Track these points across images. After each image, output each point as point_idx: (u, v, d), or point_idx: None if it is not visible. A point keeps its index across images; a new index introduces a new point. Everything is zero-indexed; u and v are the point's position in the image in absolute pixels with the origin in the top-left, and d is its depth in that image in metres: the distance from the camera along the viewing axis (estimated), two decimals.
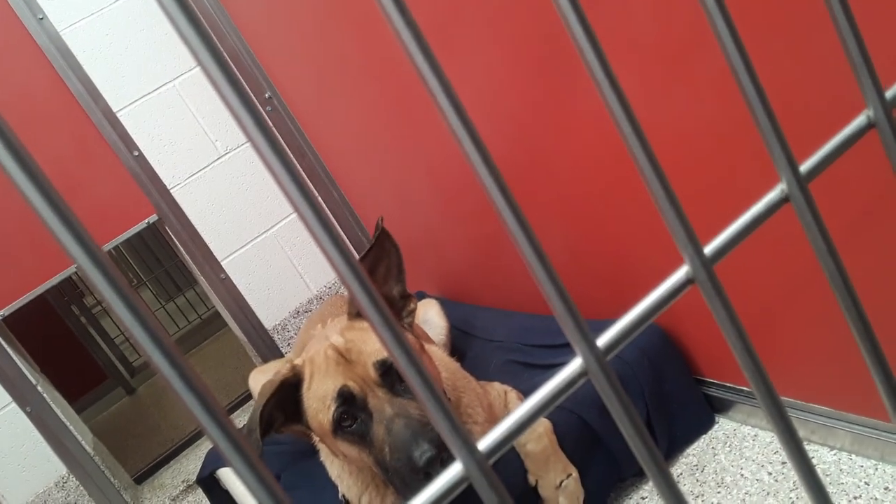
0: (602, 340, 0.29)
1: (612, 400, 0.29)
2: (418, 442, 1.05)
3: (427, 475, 1.04)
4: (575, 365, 0.29)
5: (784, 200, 0.31)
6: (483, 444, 0.27)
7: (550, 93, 1.35)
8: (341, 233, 2.62)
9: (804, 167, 0.32)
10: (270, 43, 2.35)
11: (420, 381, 0.25)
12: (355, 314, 1.26)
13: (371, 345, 1.17)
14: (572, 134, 1.36)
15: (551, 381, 0.29)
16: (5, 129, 0.20)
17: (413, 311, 1.29)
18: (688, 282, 0.30)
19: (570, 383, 0.29)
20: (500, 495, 0.26)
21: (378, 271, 1.25)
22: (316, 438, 1.34)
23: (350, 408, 1.12)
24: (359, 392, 1.13)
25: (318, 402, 1.15)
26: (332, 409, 1.12)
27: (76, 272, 2.57)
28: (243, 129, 0.23)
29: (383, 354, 1.13)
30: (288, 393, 1.18)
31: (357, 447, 1.14)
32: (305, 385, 1.18)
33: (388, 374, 1.14)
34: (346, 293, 2.58)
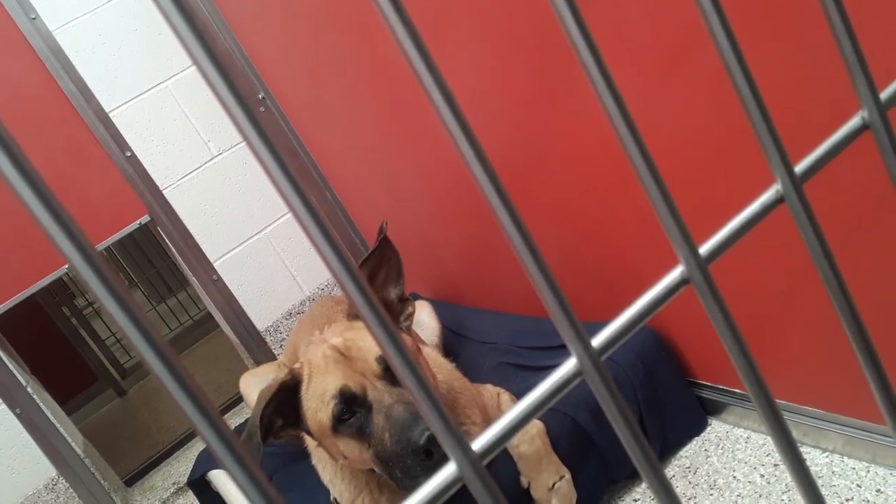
0: (597, 340, 0.29)
1: (607, 400, 0.28)
2: (418, 421, 1.06)
3: (428, 454, 1.05)
4: (569, 365, 0.28)
5: (779, 201, 0.31)
6: (477, 444, 0.27)
7: (544, 92, 1.35)
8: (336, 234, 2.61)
9: (799, 168, 0.32)
10: (263, 43, 2.35)
11: (415, 380, 0.24)
12: (354, 316, 1.26)
13: (371, 341, 1.17)
14: (566, 134, 1.36)
15: (546, 382, 0.29)
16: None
17: (411, 315, 1.30)
18: (683, 282, 0.30)
19: (565, 383, 0.29)
20: (495, 496, 0.26)
21: (378, 276, 1.26)
22: (311, 443, 1.33)
23: (350, 405, 1.13)
24: (358, 389, 1.13)
25: (317, 399, 1.15)
26: (332, 405, 1.13)
27: (67, 273, 2.55)
28: (237, 125, 0.23)
29: None
30: (286, 396, 1.18)
31: (357, 442, 1.14)
32: (304, 386, 1.18)
33: (389, 368, 1.14)
34: (337, 294, 2.58)
